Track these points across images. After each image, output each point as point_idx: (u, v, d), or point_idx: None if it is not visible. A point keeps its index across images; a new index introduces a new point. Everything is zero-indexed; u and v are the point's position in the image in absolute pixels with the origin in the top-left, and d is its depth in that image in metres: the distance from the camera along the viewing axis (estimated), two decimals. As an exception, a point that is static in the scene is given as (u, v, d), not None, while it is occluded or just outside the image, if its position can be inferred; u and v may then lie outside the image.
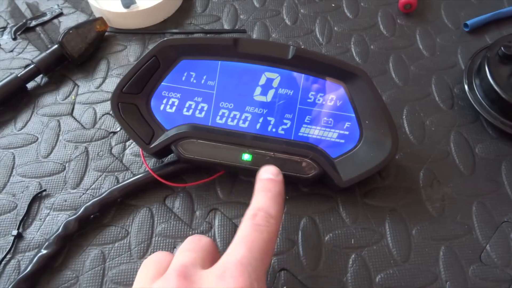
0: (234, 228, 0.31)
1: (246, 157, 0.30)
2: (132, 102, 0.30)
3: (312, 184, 0.32)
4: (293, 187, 0.32)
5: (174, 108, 0.31)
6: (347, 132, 0.30)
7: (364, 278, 0.28)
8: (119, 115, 0.30)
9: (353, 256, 0.29)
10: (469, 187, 0.32)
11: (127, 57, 0.41)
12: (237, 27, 0.43)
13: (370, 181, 0.32)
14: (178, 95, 0.31)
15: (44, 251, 0.29)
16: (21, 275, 0.28)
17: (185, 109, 0.31)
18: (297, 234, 0.30)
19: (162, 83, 0.31)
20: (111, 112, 0.37)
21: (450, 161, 0.33)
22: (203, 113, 0.31)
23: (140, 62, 0.30)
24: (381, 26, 0.42)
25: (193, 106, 0.31)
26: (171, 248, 0.30)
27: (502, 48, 0.34)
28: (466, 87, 0.36)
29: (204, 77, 0.31)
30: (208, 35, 0.43)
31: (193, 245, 0.23)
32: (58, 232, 0.29)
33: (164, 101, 0.31)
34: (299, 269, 0.29)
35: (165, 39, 0.30)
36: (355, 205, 0.31)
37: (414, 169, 0.33)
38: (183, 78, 0.31)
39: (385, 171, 0.32)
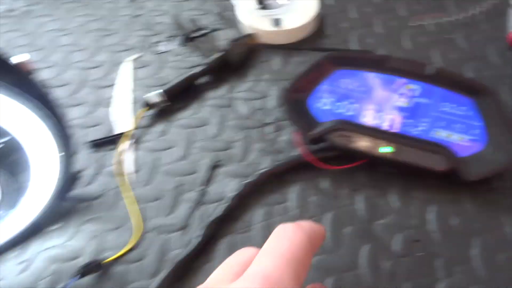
0: (374, 204, 0.38)
1: (387, 149, 0.37)
2: (297, 98, 0.39)
3: (441, 176, 0.38)
4: (423, 178, 0.38)
5: (328, 106, 0.39)
6: (475, 137, 0.37)
7: (486, 255, 0.34)
8: (287, 107, 0.39)
9: (476, 237, 0.35)
10: None
11: (271, 66, 0.50)
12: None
13: (490, 180, 0.38)
14: (332, 97, 0.39)
15: (227, 203, 0.37)
16: (212, 218, 0.37)
17: (337, 108, 0.39)
18: (428, 214, 0.37)
19: (321, 86, 0.39)
20: (263, 107, 0.46)
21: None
22: (352, 112, 0.39)
23: (307, 70, 0.39)
24: (489, 56, 0.48)
25: (344, 106, 0.39)
26: (322, 214, 0.37)
27: None
28: None
29: (355, 84, 0.39)
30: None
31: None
32: (238, 191, 0.38)
33: (321, 101, 0.39)
34: (430, 241, 0.35)
35: (329, 53, 0.39)
36: (477, 198, 0.37)
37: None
38: (337, 84, 0.39)
39: (504, 174, 0.38)
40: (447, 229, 0.36)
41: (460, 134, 0.37)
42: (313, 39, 0.53)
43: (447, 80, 0.37)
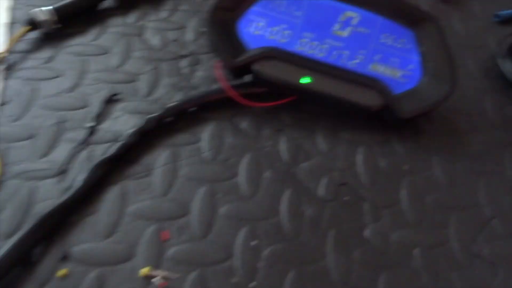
0: (299, 146, 0.30)
1: (306, 80, 0.29)
2: (225, 18, 0.30)
3: (371, 116, 0.32)
4: (352, 119, 0.32)
5: (260, 31, 0.30)
6: (410, 73, 0.31)
7: (415, 197, 0.29)
8: (212, 27, 0.29)
9: (406, 179, 0.29)
10: (501, 138, 0.33)
11: (193, -4, 0.40)
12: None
13: (419, 123, 0.33)
14: (266, 20, 0.30)
15: (122, 141, 0.27)
16: (99, 159, 0.26)
17: (270, 34, 0.30)
18: (356, 156, 0.30)
19: (254, 8, 0.30)
20: (180, 39, 0.36)
21: (486, 117, 0.34)
22: (286, 39, 0.30)
23: (238, -20, 0.29)
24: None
25: (278, 32, 0.30)
26: (241, 156, 0.29)
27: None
28: (498, 61, 0.37)
29: (292, 7, 0.30)
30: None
31: None
32: (140, 126, 0.28)
33: (252, 24, 0.30)
34: (358, 184, 0.29)
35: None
36: (406, 140, 0.31)
37: (456, 119, 0.33)
38: (273, 6, 0.30)
39: (432, 117, 0.33)
40: (375, 172, 0.29)
41: (396, 68, 0.30)
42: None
43: (389, 7, 0.30)
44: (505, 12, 0.42)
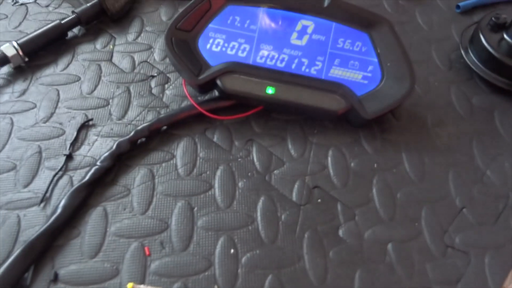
0: (270, 154, 0.34)
1: (271, 90, 0.33)
2: (184, 38, 0.34)
3: (338, 119, 0.36)
4: (320, 123, 0.36)
5: (219, 47, 0.35)
6: (370, 74, 0.35)
7: (387, 194, 0.32)
8: (172, 48, 0.33)
9: (376, 177, 0.33)
10: (468, 127, 0.37)
11: (159, 16, 0.45)
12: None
13: (386, 120, 0.37)
14: (224, 36, 0.35)
15: (99, 164, 0.31)
16: (78, 184, 0.30)
17: (229, 49, 0.35)
18: (327, 159, 0.34)
19: (210, 25, 0.35)
20: (148, 60, 0.40)
21: (452, 108, 0.38)
22: (245, 53, 0.35)
23: (195, 2, 0.33)
24: (385, 5, 0.48)
25: (236, 47, 0.35)
26: (215, 169, 0.33)
27: (492, 18, 0.40)
28: (462, 52, 0.41)
29: (247, 22, 0.35)
30: None
31: None
32: (112, 150, 0.32)
33: (211, 41, 0.35)
34: (330, 186, 0.33)
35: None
36: (375, 138, 0.36)
37: (423, 113, 0.38)
38: (229, 22, 0.35)
39: (398, 113, 0.37)
40: (346, 172, 0.33)
41: (357, 71, 0.35)
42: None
43: (342, 13, 0.34)
44: (465, 3, 0.47)
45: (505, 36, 0.38)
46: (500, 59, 0.38)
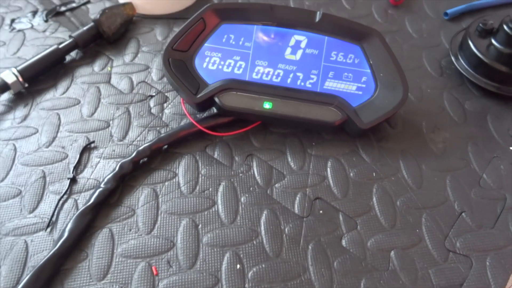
0: (270, 168, 0.35)
1: (268, 105, 0.34)
2: (181, 58, 0.35)
3: (335, 130, 0.37)
4: (318, 135, 0.37)
5: (216, 65, 0.35)
6: (364, 85, 0.36)
7: (387, 202, 0.33)
8: (169, 69, 0.34)
9: (375, 185, 0.34)
10: (463, 132, 0.38)
11: (155, 36, 0.45)
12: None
13: (382, 129, 0.37)
14: (219, 55, 0.36)
15: (103, 186, 0.32)
16: (83, 207, 0.31)
17: (225, 67, 0.35)
18: (326, 170, 0.35)
19: (205, 44, 0.35)
20: (146, 80, 0.41)
21: (446, 114, 0.39)
22: (241, 70, 0.36)
23: (189, 23, 0.34)
24: (375, 15, 0.49)
25: (232, 64, 0.35)
26: (217, 185, 0.34)
27: (480, 24, 0.41)
28: (452, 58, 0.43)
29: (242, 39, 0.36)
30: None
31: None
32: (115, 171, 0.32)
33: (207, 60, 0.35)
34: (331, 196, 0.33)
35: (211, 3, 0.35)
36: (372, 148, 0.36)
37: (417, 120, 0.39)
38: (224, 40, 0.36)
39: (394, 121, 0.38)
40: (345, 183, 0.34)
41: (351, 83, 0.36)
42: (200, 7, 0.49)
43: (333, 27, 0.35)
44: (453, 10, 0.48)
45: (493, 41, 0.40)
46: (490, 64, 0.39)
